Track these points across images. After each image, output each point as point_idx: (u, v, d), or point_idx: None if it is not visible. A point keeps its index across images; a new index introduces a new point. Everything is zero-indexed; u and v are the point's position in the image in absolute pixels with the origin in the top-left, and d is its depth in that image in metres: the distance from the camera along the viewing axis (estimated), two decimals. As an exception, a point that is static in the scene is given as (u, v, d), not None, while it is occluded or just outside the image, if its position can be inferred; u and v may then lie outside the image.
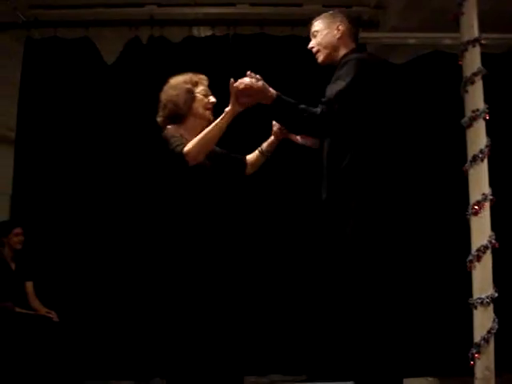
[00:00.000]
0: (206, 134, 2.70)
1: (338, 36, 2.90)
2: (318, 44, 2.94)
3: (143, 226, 4.80)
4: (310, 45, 2.98)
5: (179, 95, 2.88)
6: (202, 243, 2.81)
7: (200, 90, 2.94)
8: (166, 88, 2.95)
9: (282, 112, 2.68)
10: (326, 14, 3.00)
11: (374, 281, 2.62)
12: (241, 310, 3.20)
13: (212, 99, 2.97)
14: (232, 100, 2.67)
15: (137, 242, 4.93)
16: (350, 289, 2.67)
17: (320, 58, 2.95)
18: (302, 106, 2.66)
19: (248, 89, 2.61)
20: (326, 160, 2.81)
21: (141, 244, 4.82)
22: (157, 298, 3.37)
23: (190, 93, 2.90)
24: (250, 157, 3.20)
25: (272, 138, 3.14)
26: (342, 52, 2.90)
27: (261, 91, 2.62)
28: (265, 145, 3.17)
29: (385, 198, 2.71)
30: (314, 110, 2.65)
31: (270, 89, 2.65)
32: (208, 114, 2.93)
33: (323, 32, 2.93)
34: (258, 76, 2.65)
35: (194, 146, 2.66)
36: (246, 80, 2.63)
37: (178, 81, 2.95)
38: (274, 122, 3.06)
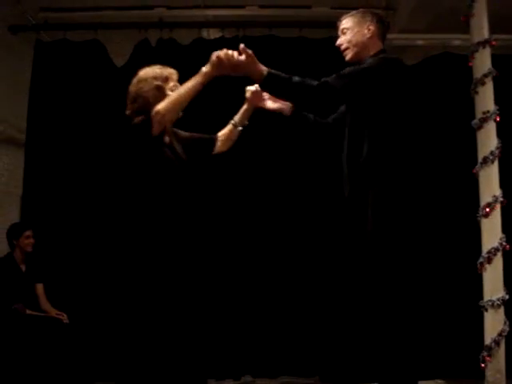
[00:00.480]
0: (176, 93, 2.68)
1: (368, 35, 2.90)
2: (348, 42, 2.92)
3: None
4: (339, 42, 2.96)
5: (149, 92, 2.83)
6: (165, 241, 2.78)
7: (170, 86, 2.88)
8: (135, 81, 2.90)
9: (274, 87, 2.69)
10: (356, 11, 2.99)
11: (394, 279, 2.60)
12: (208, 310, 3.10)
13: None
14: (210, 64, 2.67)
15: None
16: (368, 287, 2.66)
17: (348, 55, 2.93)
18: (296, 78, 2.67)
19: (224, 61, 2.64)
20: (346, 158, 2.81)
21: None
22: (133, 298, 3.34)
23: (160, 90, 2.85)
24: (222, 133, 3.15)
25: (245, 106, 3.11)
26: (371, 52, 2.89)
27: (245, 66, 2.63)
28: (237, 116, 3.13)
29: (404, 194, 2.70)
30: (311, 82, 2.66)
31: (261, 66, 2.65)
32: None
33: (354, 30, 2.91)
34: (249, 51, 2.65)
35: (164, 104, 2.63)
36: (229, 52, 2.66)
37: (147, 75, 2.90)
38: (247, 88, 3.05)
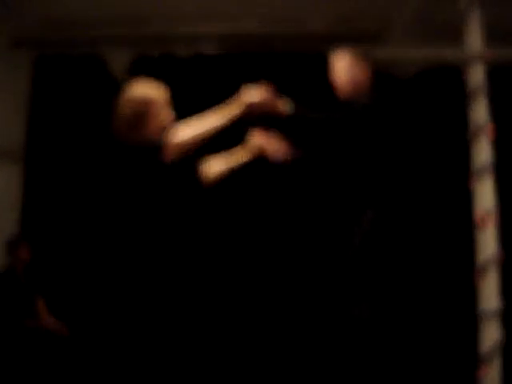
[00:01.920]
0: (200, 129, 2.50)
1: None
2: None
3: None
4: None
5: (153, 117, 2.64)
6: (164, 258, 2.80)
7: (155, 112, 2.66)
8: (134, 102, 2.68)
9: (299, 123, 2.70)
10: None
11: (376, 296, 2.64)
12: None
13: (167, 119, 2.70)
14: (239, 107, 2.58)
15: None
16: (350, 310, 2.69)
17: None
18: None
19: (255, 107, 2.60)
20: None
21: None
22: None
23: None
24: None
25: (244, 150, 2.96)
26: None
27: (270, 106, 2.63)
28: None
29: (391, 209, 2.75)
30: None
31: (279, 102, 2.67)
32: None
33: None
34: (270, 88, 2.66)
35: (186, 138, 2.48)
36: (260, 96, 2.60)
37: (149, 96, 2.70)
38: (253, 132, 2.94)
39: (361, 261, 2.67)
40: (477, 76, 3.86)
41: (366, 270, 2.66)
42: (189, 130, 2.53)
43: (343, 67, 2.99)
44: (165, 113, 2.68)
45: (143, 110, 2.63)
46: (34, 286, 4.73)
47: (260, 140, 2.80)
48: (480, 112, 3.80)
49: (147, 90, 2.72)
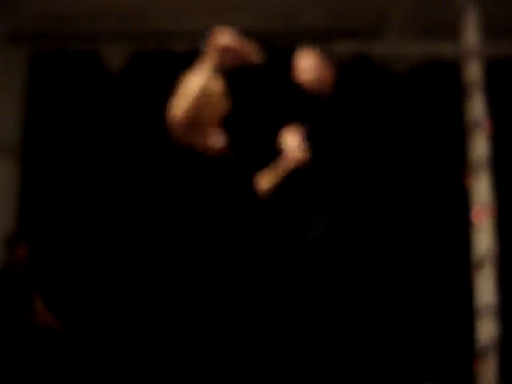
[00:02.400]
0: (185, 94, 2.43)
1: None
2: None
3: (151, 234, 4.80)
4: None
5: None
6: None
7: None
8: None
9: None
10: None
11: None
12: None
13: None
14: (213, 54, 2.45)
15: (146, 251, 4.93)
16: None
17: None
18: None
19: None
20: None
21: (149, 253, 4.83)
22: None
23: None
24: None
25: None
26: None
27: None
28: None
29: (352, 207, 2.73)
30: None
31: None
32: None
33: None
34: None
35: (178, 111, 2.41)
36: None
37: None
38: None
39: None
40: (473, 71, 3.87)
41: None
42: (181, 102, 2.46)
43: (308, 66, 3.01)
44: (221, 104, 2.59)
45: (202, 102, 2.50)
46: (31, 284, 4.73)
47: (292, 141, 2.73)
48: (476, 107, 3.81)
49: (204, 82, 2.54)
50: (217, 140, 2.64)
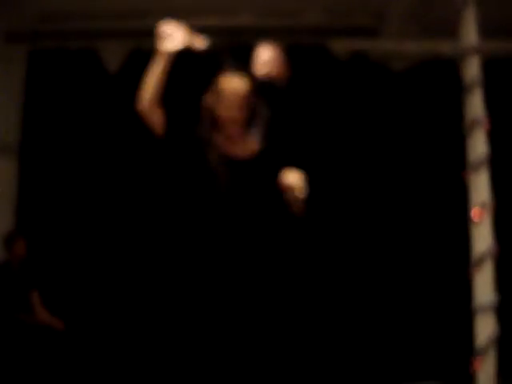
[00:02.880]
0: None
1: None
2: None
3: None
4: None
5: None
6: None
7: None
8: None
9: None
10: None
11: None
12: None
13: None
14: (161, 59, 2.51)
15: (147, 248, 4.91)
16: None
17: None
18: None
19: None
20: None
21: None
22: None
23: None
24: None
25: None
26: None
27: None
28: None
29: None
30: None
31: None
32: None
33: None
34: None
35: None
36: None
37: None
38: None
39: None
40: (472, 69, 3.85)
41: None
42: (144, 95, 2.54)
43: (266, 59, 3.19)
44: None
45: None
46: (29, 281, 4.73)
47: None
48: (475, 105, 3.80)
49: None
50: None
